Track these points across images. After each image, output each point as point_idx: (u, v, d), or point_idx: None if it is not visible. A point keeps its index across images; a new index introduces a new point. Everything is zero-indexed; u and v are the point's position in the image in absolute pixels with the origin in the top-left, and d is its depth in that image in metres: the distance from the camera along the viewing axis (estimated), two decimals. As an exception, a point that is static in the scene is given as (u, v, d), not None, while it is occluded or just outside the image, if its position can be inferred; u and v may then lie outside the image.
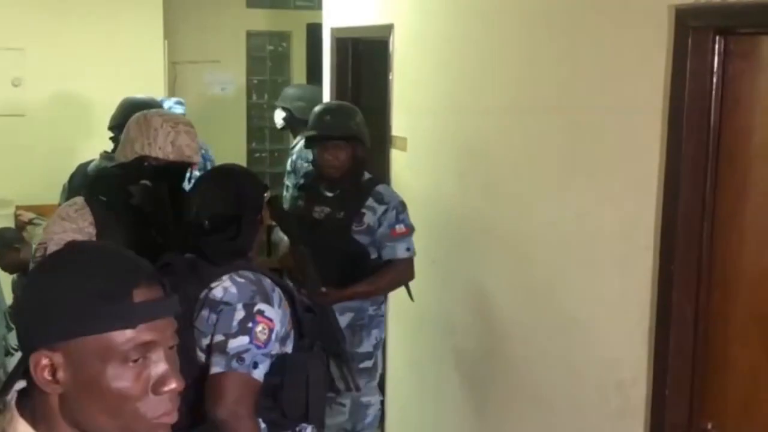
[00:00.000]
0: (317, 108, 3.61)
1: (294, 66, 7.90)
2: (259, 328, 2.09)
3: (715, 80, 2.29)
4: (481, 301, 3.49)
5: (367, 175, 3.49)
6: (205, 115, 7.54)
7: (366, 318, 3.50)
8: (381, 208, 3.40)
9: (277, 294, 2.18)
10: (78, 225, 2.57)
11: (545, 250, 3.02)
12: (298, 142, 5.49)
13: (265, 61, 7.89)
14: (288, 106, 5.46)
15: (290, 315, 2.22)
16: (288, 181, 5.23)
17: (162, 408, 1.18)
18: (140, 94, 4.95)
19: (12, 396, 1.21)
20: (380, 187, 3.47)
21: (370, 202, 3.41)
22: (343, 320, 3.31)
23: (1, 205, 5.64)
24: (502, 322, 3.34)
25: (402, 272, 3.44)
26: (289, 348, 2.20)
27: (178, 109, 5.42)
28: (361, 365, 3.48)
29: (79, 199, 2.69)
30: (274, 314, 2.13)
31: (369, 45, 4.72)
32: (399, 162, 4.20)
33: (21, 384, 1.21)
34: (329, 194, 3.45)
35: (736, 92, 2.28)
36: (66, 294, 1.15)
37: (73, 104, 6.24)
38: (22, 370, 1.18)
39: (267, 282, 2.18)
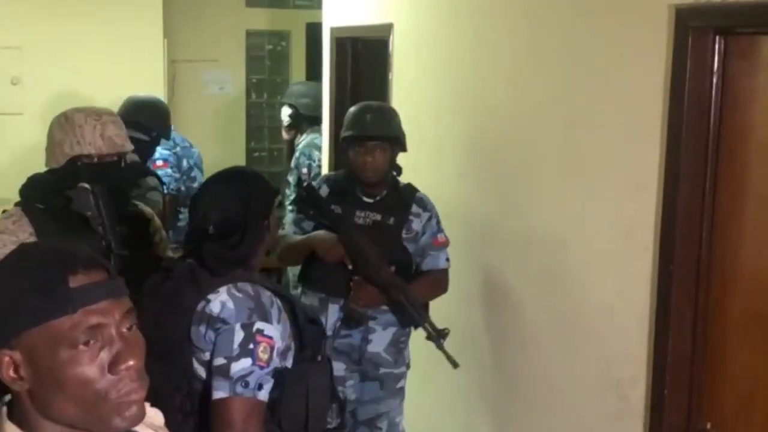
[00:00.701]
0: (355, 107, 3.34)
1: (293, 65, 7.89)
2: (260, 348, 2.04)
3: (714, 80, 2.29)
4: (479, 301, 3.48)
5: (401, 181, 3.29)
6: (204, 114, 7.54)
7: (407, 335, 3.29)
8: (426, 216, 3.23)
9: (276, 308, 2.12)
10: (18, 237, 2.47)
11: (545, 249, 3.01)
12: (304, 139, 5.49)
13: (265, 61, 7.88)
14: (294, 102, 5.46)
15: (291, 327, 2.16)
16: (290, 178, 5.23)
17: (125, 386, 1.19)
18: (143, 93, 4.95)
19: (3, 402, 1.25)
20: (420, 194, 3.28)
21: (414, 208, 3.22)
22: (386, 335, 3.20)
23: (-1, 204, 5.65)
24: (501, 322, 3.33)
25: (439, 283, 3.25)
26: (289, 361, 2.14)
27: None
28: (398, 385, 3.29)
29: (16, 210, 2.59)
30: (274, 331, 2.07)
31: (368, 44, 4.71)
32: (398, 161, 4.19)
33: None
34: (369, 200, 3.21)
35: (736, 92, 2.28)
36: (6, 294, 1.18)
37: (71, 103, 6.11)
38: None
39: (266, 296, 2.12)
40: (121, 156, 2.63)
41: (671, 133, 2.37)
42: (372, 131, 3.16)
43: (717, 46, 2.28)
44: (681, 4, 2.32)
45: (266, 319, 2.06)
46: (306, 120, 5.52)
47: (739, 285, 2.33)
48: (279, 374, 2.09)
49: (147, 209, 2.88)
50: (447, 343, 3.04)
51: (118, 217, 2.55)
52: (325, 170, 4.97)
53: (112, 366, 1.18)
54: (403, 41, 4.07)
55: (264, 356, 2.04)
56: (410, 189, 3.29)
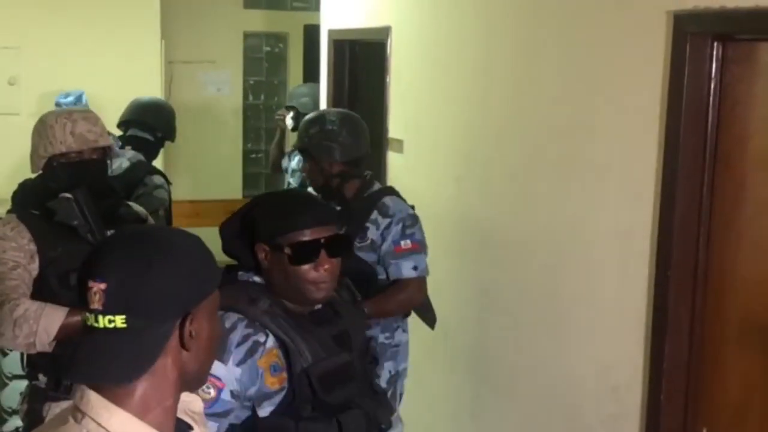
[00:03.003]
0: None
1: (291, 67, 7.89)
2: (204, 386, 1.77)
3: (712, 86, 2.30)
4: (476, 306, 3.49)
5: (376, 186, 3.12)
6: (201, 116, 7.54)
7: (376, 347, 2.85)
8: (384, 222, 3.00)
9: (244, 349, 1.94)
10: (17, 243, 2.47)
11: (541, 254, 3.02)
12: None
13: (262, 62, 7.87)
14: (294, 104, 5.46)
15: (286, 373, 1.96)
16: (292, 180, 5.23)
17: None
18: (147, 95, 4.95)
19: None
20: (387, 199, 3.05)
21: (374, 215, 3.01)
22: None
23: (-4, 204, 5.64)
24: (498, 326, 3.34)
25: (410, 294, 3.01)
26: (267, 410, 1.96)
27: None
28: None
29: (11, 217, 2.57)
30: (225, 372, 1.92)
31: (366, 47, 4.72)
32: (395, 164, 4.20)
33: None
34: (338, 208, 2.94)
35: (734, 98, 2.29)
36: (186, 267, 1.28)
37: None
38: None
39: (238, 334, 1.94)
40: (100, 151, 2.59)
41: (669, 139, 2.38)
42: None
43: (715, 52, 2.29)
44: (679, 11, 2.32)
45: (220, 358, 1.91)
46: None
47: (735, 291, 2.34)
48: (252, 425, 1.96)
49: (141, 210, 2.86)
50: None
51: (108, 220, 2.54)
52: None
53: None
54: (401, 44, 4.08)
55: (205, 396, 1.89)
56: (378, 194, 3.08)
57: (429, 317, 3.21)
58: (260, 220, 2.03)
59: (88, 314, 1.20)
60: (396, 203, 3.07)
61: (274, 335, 1.97)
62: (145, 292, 1.19)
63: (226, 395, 1.94)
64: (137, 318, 1.19)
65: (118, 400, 1.19)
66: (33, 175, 2.69)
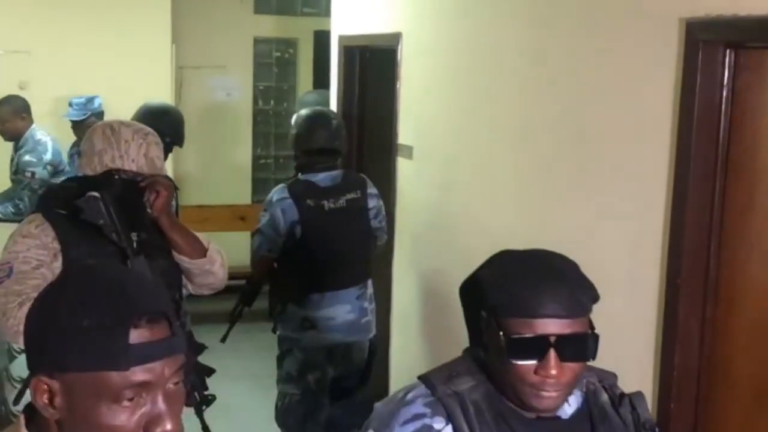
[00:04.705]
0: None
1: (300, 73, 7.90)
2: None
3: (724, 93, 2.29)
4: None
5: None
6: (211, 121, 7.55)
7: None
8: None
9: (409, 429, 1.60)
10: (41, 241, 2.50)
11: (551, 261, 3.01)
12: None
13: (272, 68, 7.89)
14: None
15: None
16: None
17: None
18: (156, 100, 4.96)
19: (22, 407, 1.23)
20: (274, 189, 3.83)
21: None
22: None
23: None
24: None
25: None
26: None
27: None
28: None
29: (37, 216, 2.61)
30: None
31: (377, 53, 4.72)
32: (405, 171, 4.19)
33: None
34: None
35: (746, 106, 2.28)
36: (64, 325, 1.14)
37: (79, 108, 6.24)
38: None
39: (408, 410, 1.61)
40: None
41: (680, 147, 2.37)
42: None
43: (727, 60, 2.28)
44: (691, 18, 2.32)
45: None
46: None
47: (746, 299, 2.33)
48: None
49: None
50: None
51: (133, 224, 2.57)
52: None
53: (149, 426, 1.15)
54: (412, 50, 4.08)
55: None
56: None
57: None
58: (485, 282, 1.60)
59: None
60: (271, 190, 3.79)
61: (455, 427, 1.56)
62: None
63: None
64: None
65: None
66: None
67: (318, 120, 3.86)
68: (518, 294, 1.53)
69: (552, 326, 1.51)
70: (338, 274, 3.75)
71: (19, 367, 4.43)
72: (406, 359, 4.24)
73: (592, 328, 1.65)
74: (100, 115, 5.91)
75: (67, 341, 1.13)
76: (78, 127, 5.83)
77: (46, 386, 1.15)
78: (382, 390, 4.43)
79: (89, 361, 1.12)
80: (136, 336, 1.13)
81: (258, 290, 3.78)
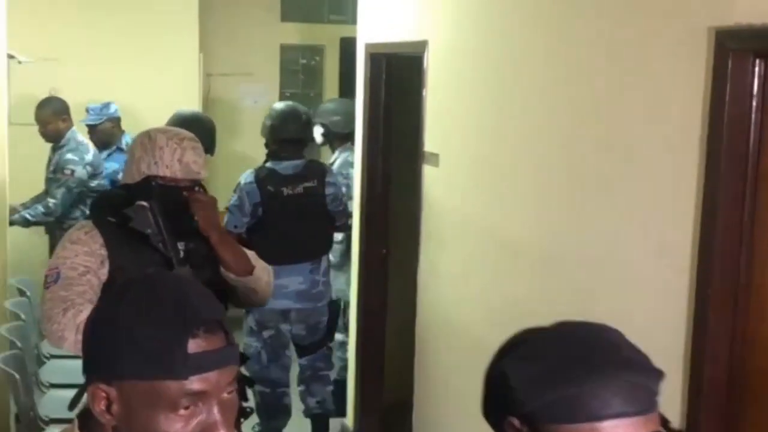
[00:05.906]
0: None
1: (327, 80, 7.93)
2: None
3: (754, 103, 2.27)
4: (510, 321, 3.45)
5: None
6: (239, 127, 7.60)
7: None
8: None
9: None
10: (90, 248, 2.55)
11: (578, 272, 2.99)
12: (338, 158, 5.51)
13: (298, 75, 7.93)
14: (325, 121, 5.49)
15: None
16: None
17: None
18: (187, 108, 5.01)
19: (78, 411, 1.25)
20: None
21: None
22: None
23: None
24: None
25: None
26: None
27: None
28: None
29: (87, 222, 2.67)
30: None
31: (403, 61, 4.72)
32: (431, 178, 4.19)
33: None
34: None
35: (776, 116, 2.25)
36: (124, 333, 1.16)
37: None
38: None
39: None
40: (195, 182, 2.68)
41: (710, 157, 2.35)
42: None
43: (757, 69, 2.25)
44: (720, 27, 2.30)
45: None
46: (337, 137, 5.55)
47: (777, 311, 2.30)
48: None
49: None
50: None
51: (180, 233, 2.59)
52: (357, 187, 4.97)
53: None
54: (438, 59, 4.07)
55: None
56: None
57: None
58: (513, 378, 1.20)
59: None
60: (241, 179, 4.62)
61: None
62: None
63: None
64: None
65: None
66: None
67: (291, 114, 4.73)
68: (568, 391, 1.14)
69: (620, 430, 1.15)
70: (292, 249, 4.50)
71: (48, 373, 4.47)
72: (431, 366, 4.23)
73: (666, 422, 1.24)
74: (115, 120, 5.99)
75: (126, 349, 1.15)
76: (93, 131, 5.92)
77: (104, 393, 1.18)
78: (407, 396, 4.43)
79: (148, 370, 1.14)
80: (194, 345, 1.15)
81: None
